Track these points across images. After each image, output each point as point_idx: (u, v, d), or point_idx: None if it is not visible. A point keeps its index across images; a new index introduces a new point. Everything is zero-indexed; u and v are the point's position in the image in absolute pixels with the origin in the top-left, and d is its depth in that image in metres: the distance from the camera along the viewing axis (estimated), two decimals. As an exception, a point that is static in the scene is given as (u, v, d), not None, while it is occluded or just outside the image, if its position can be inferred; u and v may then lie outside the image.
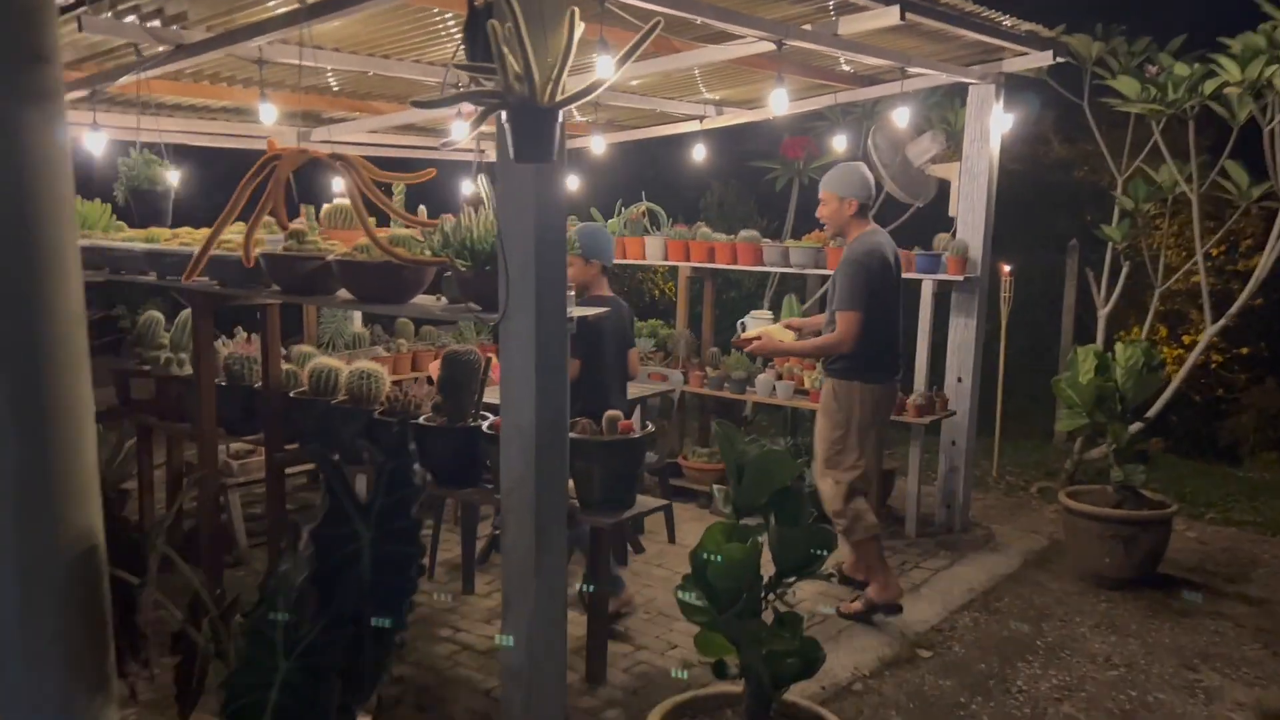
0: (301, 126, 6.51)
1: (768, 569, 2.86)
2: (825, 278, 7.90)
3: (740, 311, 6.78)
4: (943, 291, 5.79)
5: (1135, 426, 5.47)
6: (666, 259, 6.61)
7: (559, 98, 2.81)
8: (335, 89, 5.92)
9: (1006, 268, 7.07)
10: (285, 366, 4.53)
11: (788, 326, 5.20)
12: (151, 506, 5.49)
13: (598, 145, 6.35)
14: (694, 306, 7.23)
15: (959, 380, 5.85)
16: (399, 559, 2.02)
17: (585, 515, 3.64)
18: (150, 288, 4.63)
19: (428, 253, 3.33)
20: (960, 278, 5.62)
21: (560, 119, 2.83)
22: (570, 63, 2.85)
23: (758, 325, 5.47)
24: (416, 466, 2.17)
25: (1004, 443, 7.50)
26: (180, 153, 5.22)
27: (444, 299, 3.61)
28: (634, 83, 5.88)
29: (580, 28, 2.65)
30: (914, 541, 5.76)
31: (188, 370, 4.80)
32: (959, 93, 6.04)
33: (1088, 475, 6.44)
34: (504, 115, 2.78)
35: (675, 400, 5.81)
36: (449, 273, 3.39)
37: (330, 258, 3.60)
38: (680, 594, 2.84)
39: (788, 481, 2.86)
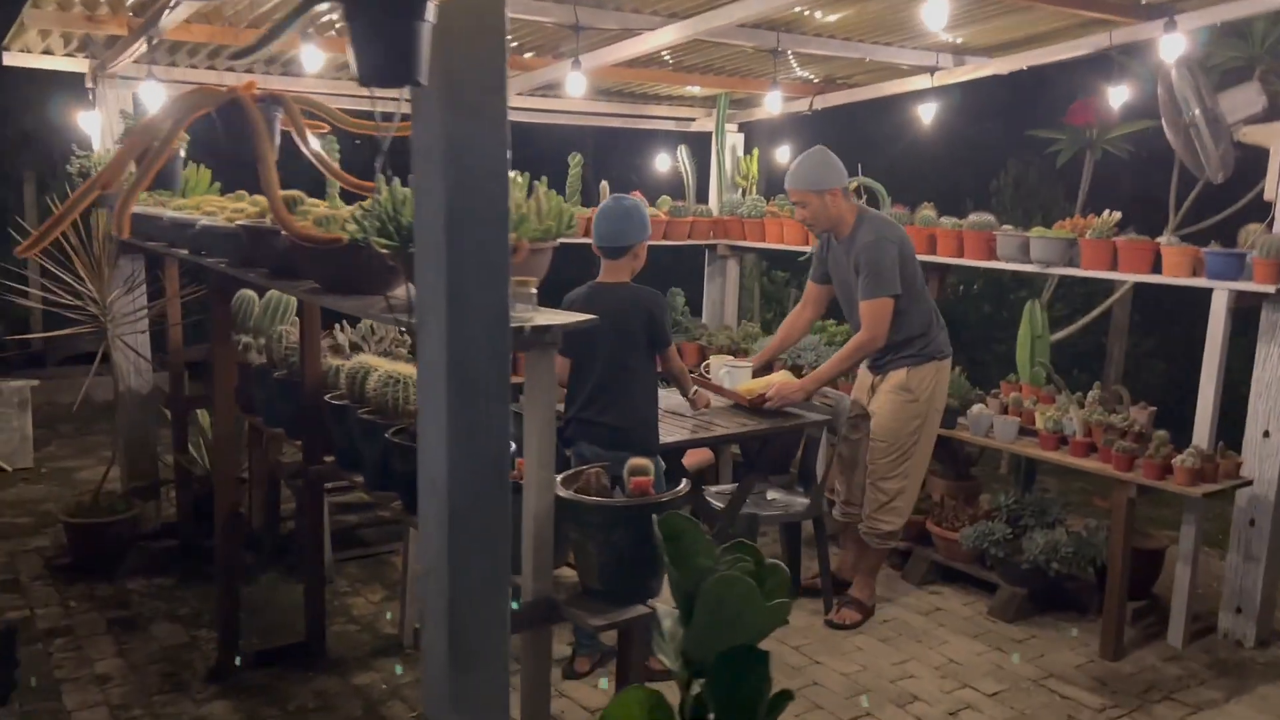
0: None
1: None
2: (1079, 280, 6.19)
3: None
4: (1246, 307, 4.03)
5: None
6: (877, 249, 5.24)
7: (426, -18, 1.77)
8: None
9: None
10: (332, 362, 3.79)
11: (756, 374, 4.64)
12: (263, 501, 5.13)
13: (772, 103, 5.08)
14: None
15: (1265, 434, 4.07)
16: None
17: (579, 609, 2.56)
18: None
19: (351, 227, 2.40)
20: (1274, 288, 3.86)
21: (430, 18, 1.79)
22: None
23: (739, 377, 4.53)
24: None
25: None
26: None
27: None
28: (829, 19, 4.57)
29: None
30: (1179, 655, 4.10)
31: (264, 359, 4.24)
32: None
33: None
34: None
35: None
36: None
37: (287, 234, 2.77)
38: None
39: (753, 636, 1.66)
